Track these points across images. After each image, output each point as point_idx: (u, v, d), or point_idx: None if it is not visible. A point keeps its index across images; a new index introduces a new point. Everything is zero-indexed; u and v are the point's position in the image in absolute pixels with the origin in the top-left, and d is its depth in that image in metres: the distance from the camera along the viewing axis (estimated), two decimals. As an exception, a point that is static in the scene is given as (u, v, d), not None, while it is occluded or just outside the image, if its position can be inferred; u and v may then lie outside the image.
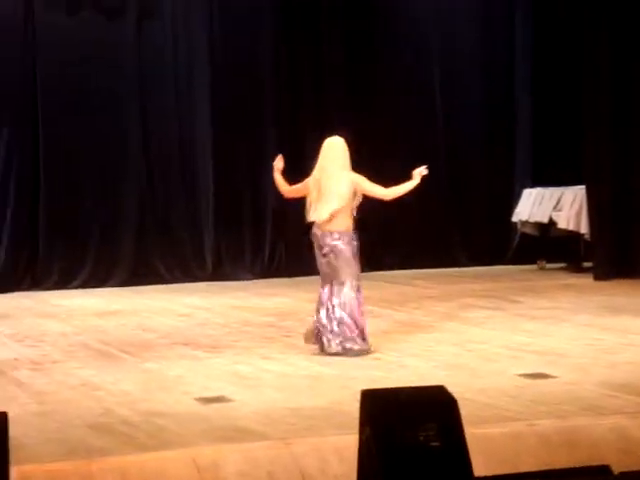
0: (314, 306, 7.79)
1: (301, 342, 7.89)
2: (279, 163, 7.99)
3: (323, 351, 7.63)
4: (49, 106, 12.10)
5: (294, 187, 7.98)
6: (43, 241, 12.12)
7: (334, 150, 7.82)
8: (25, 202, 12.10)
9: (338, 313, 7.62)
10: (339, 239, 7.66)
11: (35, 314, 10.20)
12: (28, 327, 9.33)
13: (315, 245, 7.78)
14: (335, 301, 7.64)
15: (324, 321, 7.64)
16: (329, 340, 7.61)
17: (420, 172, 7.88)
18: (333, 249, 7.66)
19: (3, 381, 6.95)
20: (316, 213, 7.70)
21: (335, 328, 7.61)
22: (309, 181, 7.83)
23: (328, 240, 7.67)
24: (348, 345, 7.59)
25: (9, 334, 8.94)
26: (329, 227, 7.67)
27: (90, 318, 9.82)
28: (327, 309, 7.65)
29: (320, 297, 7.73)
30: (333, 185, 7.66)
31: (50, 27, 12.10)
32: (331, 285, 7.70)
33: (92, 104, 12.25)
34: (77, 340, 8.57)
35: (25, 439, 5.31)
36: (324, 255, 7.71)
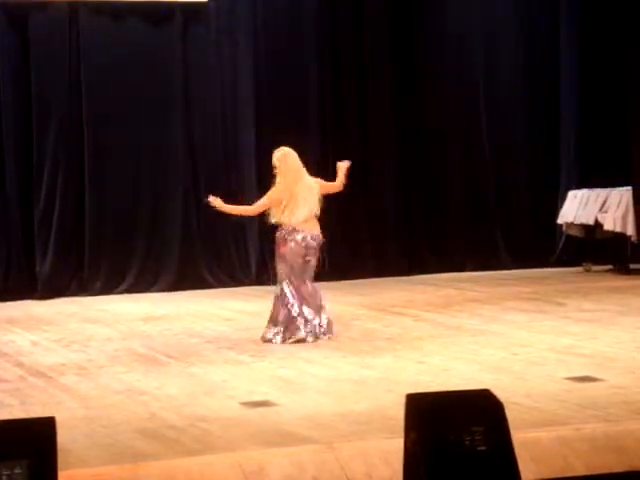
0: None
1: (345, 345, 7.95)
2: (216, 201, 8.53)
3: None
4: (94, 111, 12.15)
5: (259, 204, 8.57)
6: (89, 247, 12.20)
7: (296, 159, 8.43)
8: (71, 208, 12.18)
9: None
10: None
11: (81, 319, 10.27)
12: (74, 332, 9.39)
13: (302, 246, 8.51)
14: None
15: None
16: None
17: (342, 166, 8.56)
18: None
19: (50, 386, 7.00)
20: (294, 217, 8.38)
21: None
22: (277, 193, 8.36)
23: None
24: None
25: (55, 339, 9.01)
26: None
27: (135, 323, 9.87)
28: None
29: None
30: (308, 193, 8.37)
31: (95, 32, 12.19)
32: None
33: (137, 109, 12.31)
34: (122, 345, 8.62)
35: (72, 444, 5.34)
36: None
